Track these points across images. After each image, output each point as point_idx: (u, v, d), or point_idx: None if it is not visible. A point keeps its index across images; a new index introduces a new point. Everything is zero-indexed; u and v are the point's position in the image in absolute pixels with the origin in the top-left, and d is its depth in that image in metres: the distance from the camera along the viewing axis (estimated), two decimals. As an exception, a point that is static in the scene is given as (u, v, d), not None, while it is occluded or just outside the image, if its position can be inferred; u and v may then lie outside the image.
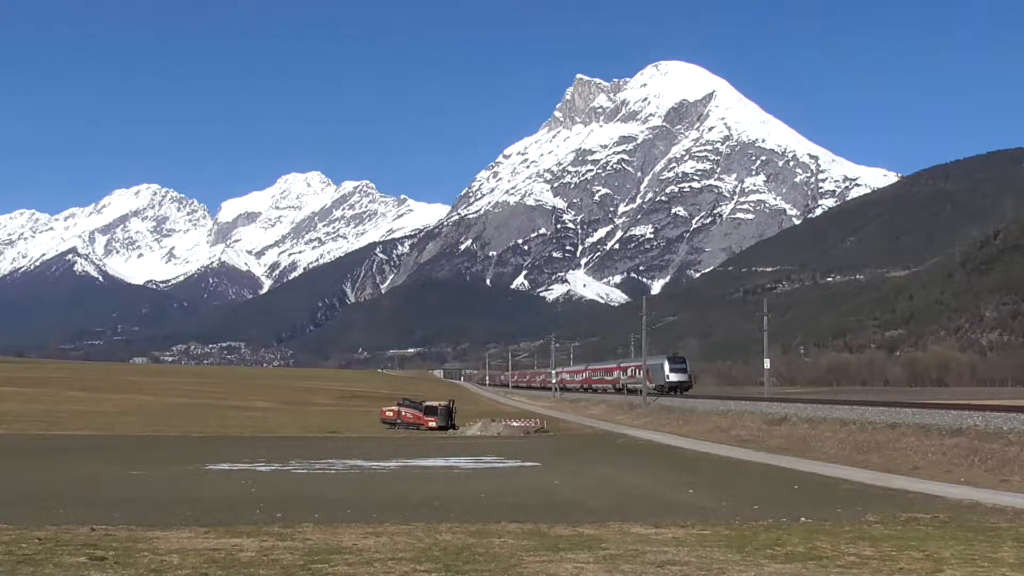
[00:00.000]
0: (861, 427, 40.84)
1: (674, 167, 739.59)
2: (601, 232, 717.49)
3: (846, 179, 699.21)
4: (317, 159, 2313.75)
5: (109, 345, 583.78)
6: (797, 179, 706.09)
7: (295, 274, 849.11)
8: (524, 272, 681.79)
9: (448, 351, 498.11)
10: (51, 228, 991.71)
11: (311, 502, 22.71)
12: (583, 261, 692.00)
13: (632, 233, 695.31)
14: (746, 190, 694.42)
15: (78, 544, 14.72)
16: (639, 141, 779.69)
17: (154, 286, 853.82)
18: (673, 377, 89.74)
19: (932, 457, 32.86)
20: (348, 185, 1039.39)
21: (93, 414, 70.68)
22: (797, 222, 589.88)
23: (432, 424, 61.02)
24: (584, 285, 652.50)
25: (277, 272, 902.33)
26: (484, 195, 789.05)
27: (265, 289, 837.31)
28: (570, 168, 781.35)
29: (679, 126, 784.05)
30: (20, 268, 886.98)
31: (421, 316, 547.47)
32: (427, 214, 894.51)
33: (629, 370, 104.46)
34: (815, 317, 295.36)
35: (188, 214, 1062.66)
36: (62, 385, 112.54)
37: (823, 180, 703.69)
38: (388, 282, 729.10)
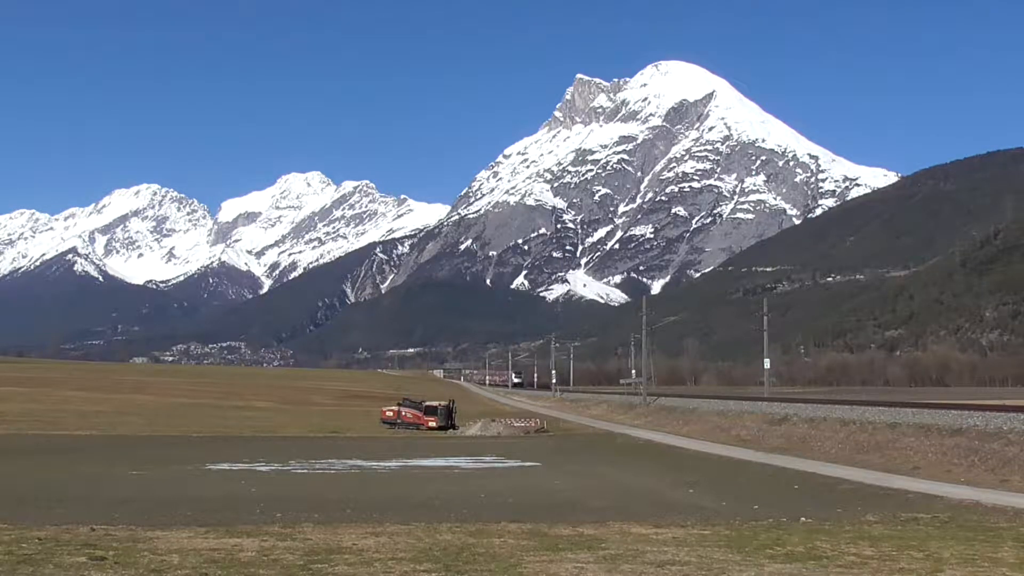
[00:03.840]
0: (861, 427, 40.83)
1: (674, 167, 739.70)
2: (601, 232, 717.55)
3: (846, 179, 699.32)
4: (317, 159, 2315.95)
5: (109, 345, 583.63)
6: (797, 179, 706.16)
7: (295, 274, 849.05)
8: (524, 272, 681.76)
9: (448, 351, 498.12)
10: (51, 228, 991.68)
11: (311, 502, 22.70)
12: (583, 261, 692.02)
13: (632, 233, 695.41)
14: (746, 190, 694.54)
15: (78, 544, 14.71)
16: (639, 141, 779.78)
17: (154, 286, 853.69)
18: (515, 380, 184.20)
19: (932, 457, 32.85)
20: (348, 185, 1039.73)
21: (93, 414, 70.67)
22: (797, 222, 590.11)
23: (432, 424, 61.01)
24: (584, 285, 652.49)
25: (277, 272, 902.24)
26: (484, 195, 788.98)
27: (265, 289, 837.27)
28: (570, 168, 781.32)
29: (679, 126, 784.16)
30: (20, 268, 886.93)
31: (421, 316, 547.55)
32: (427, 214, 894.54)
33: (504, 376, 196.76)
34: (815, 317, 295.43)
35: (188, 214, 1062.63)
36: (62, 385, 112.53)
37: (823, 180, 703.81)
38: (388, 282, 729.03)
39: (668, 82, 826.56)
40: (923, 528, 18.22)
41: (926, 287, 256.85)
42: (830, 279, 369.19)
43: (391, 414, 63.24)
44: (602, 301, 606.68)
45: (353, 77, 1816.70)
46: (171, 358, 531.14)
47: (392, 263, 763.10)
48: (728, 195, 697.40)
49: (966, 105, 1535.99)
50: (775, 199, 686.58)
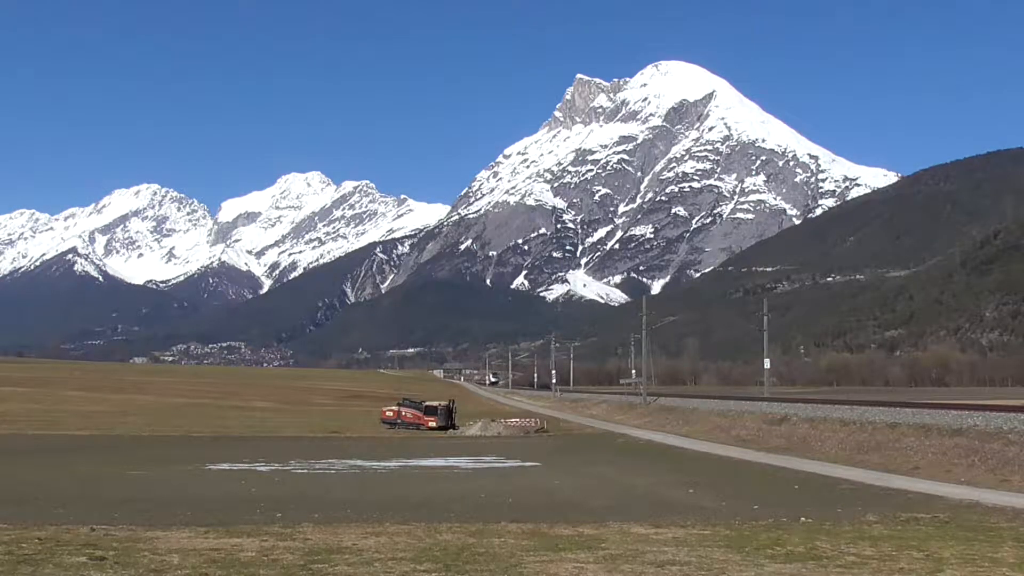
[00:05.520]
0: (861, 427, 40.84)
1: (674, 167, 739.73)
2: (601, 232, 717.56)
3: (846, 179, 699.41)
4: (317, 159, 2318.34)
5: (109, 345, 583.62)
6: (797, 179, 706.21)
7: (295, 274, 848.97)
8: (524, 272, 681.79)
9: (448, 351, 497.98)
10: (51, 228, 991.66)
11: (311, 502, 22.70)
12: (583, 261, 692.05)
13: (632, 233, 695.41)
14: (746, 190, 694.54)
15: (78, 544, 14.71)
16: (639, 141, 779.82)
17: (154, 286, 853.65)
18: (491, 379, 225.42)
19: (932, 457, 32.84)
20: (348, 185, 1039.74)
21: (93, 414, 70.67)
22: (797, 222, 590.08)
23: (432, 424, 61.01)
24: (584, 285, 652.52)
25: (277, 272, 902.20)
26: (484, 195, 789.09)
27: (265, 289, 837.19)
28: (570, 168, 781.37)
29: (679, 126, 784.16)
30: (20, 268, 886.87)
31: (421, 316, 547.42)
32: (427, 214, 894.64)
33: (491, 373, 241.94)
34: (815, 317, 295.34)
35: (188, 214, 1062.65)
36: (62, 385, 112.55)
37: (823, 180, 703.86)
38: (388, 282, 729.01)
39: (668, 82, 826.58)
40: (923, 528, 18.21)
41: (926, 287, 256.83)
42: (830, 279, 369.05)
43: (391, 414, 63.25)
44: (602, 301, 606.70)
45: (353, 77, 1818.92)
46: (171, 358, 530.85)
47: (392, 263, 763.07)
48: (728, 195, 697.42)
49: (966, 105, 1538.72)
50: (775, 199, 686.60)
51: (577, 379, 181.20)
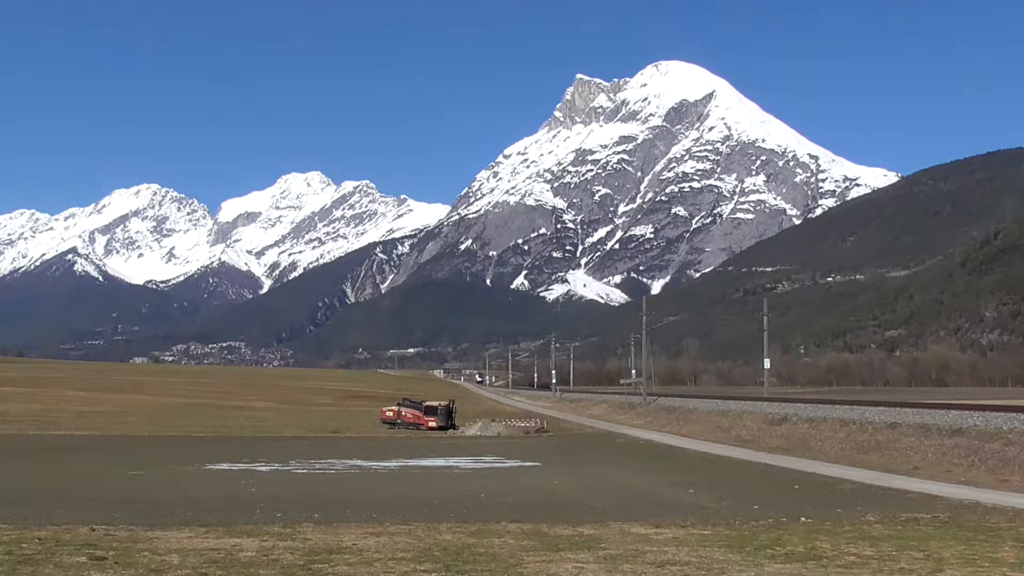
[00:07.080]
0: (861, 427, 40.84)
1: (674, 167, 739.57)
2: (601, 232, 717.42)
3: (846, 179, 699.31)
4: (317, 159, 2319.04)
5: (109, 345, 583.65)
6: (797, 179, 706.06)
7: (295, 274, 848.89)
8: (524, 272, 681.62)
9: (448, 351, 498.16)
10: (51, 228, 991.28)
11: (311, 502, 22.69)
12: (583, 261, 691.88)
13: (632, 233, 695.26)
14: (746, 190, 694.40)
15: (78, 544, 14.71)
16: (639, 141, 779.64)
17: (154, 286, 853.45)
18: (478, 379, 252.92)
19: (932, 457, 32.85)
20: (348, 185, 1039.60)
21: (93, 414, 70.65)
22: (797, 222, 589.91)
23: (432, 424, 61.03)
24: (584, 285, 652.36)
25: (277, 272, 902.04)
26: (484, 195, 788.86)
27: (265, 289, 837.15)
28: (570, 168, 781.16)
29: (679, 126, 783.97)
30: (20, 268, 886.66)
31: (421, 316, 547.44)
32: (427, 214, 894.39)
33: (477, 374, 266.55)
34: (815, 317, 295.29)
35: (188, 214, 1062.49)
36: (62, 385, 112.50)
37: (823, 180, 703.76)
38: (388, 282, 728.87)
39: (668, 82, 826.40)
40: (923, 528, 18.21)
41: (926, 287, 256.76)
42: (830, 279, 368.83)
43: (391, 414, 63.25)
44: (602, 301, 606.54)
45: (353, 77, 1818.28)
46: (171, 358, 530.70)
47: (392, 263, 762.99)
48: (728, 195, 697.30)
49: (966, 105, 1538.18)
50: (775, 199, 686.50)
51: (577, 379, 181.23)
